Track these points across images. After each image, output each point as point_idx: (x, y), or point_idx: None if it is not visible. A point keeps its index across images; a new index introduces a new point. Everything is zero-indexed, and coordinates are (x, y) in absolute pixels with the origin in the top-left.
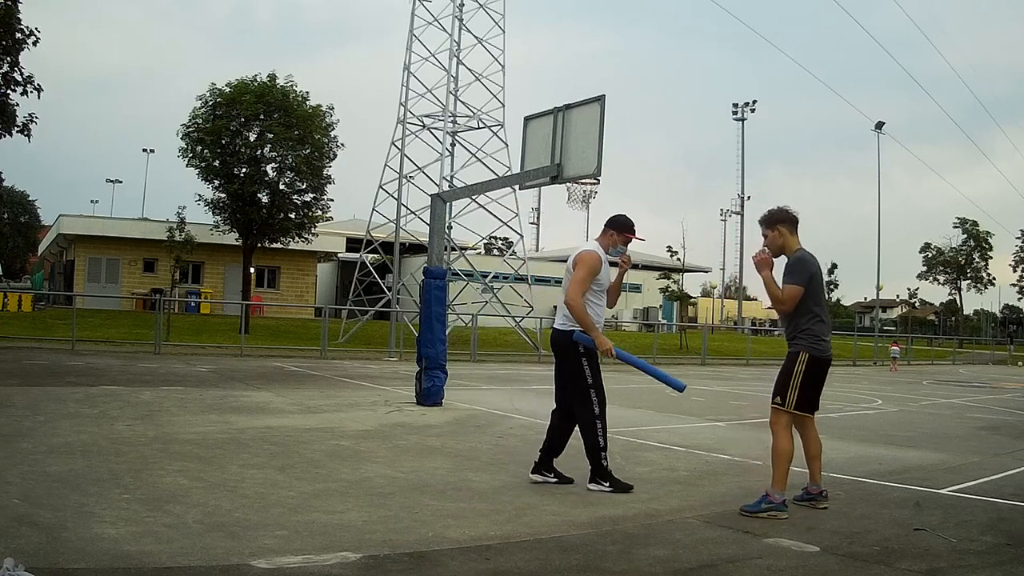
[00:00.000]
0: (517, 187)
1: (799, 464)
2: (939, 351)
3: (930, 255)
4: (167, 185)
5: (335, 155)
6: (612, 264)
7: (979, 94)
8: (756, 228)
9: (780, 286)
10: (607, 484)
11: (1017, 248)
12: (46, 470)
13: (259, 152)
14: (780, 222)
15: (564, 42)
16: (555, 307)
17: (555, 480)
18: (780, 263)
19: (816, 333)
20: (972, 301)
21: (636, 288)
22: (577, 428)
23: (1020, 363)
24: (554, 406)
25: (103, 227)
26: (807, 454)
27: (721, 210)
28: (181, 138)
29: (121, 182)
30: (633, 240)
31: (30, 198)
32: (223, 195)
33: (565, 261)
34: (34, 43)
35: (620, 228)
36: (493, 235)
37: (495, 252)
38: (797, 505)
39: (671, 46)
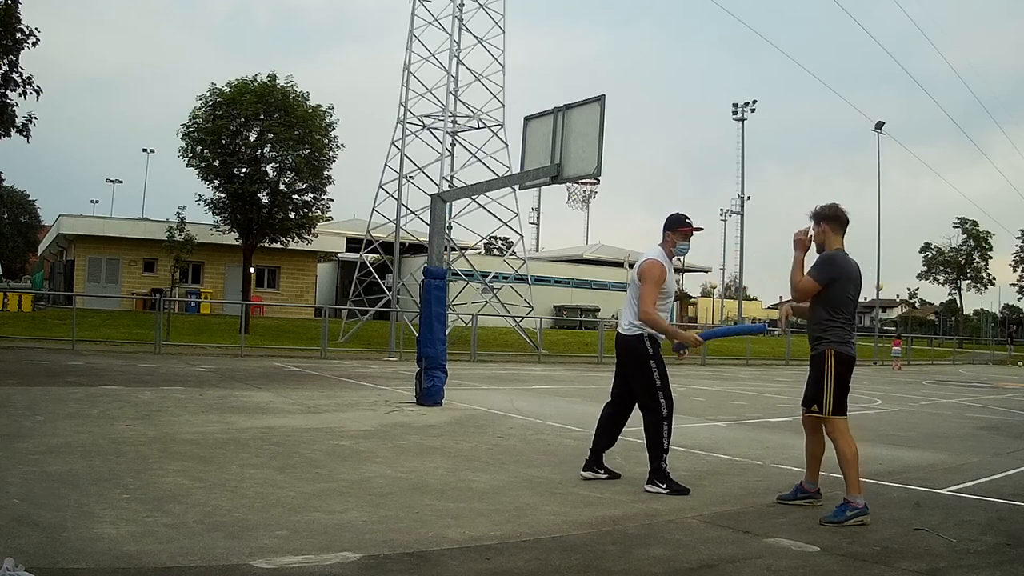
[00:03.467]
0: (517, 187)
1: (792, 463)
2: (939, 351)
3: (930, 255)
4: (167, 185)
5: (335, 156)
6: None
7: (978, 94)
8: (755, 228)
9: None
10: (664, 486)
11: (1017, 248)
12: (46, 470)
13: (259, 152)
14: (827, 219)
15: (564, 42)
16: (555, 307)
17: (605, 476)
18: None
19: (840, 332)
20: (972, 301)
21: None
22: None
23: (1020, 363)
24: (606, 402)
25: (103, 227)
26: (812, 452)
27: (721, 210)
28: (181, 138)
29: (121, 182)
30: (694, 232)
31: (30, 198)
32: (223, 195)
33: (565, 261)
34: (34, 43)
35: (675, 225)
36: (493, 235)
37: (495, 252)
38: (788, 504)
39: (671, 46)
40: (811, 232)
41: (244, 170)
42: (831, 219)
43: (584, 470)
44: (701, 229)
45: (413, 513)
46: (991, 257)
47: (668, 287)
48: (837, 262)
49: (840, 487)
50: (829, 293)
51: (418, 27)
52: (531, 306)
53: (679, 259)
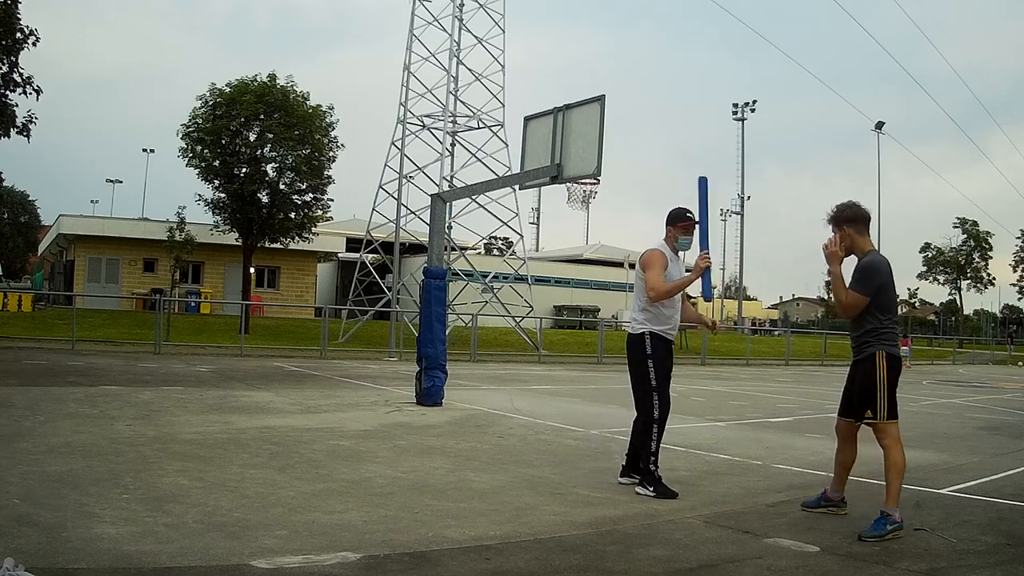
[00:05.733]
0: (517, 187)
1: (792, 463)
2: (939, 351)
3: (930, 255)
4: (167, 185)
5: (335, 156)
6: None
7: (978, 94)
8: (755, 228)
9: (847, 288)
10: (651, 489)
11: (1017, 248)
12: (46, 470)
13: (259, 152)
14: (848, 222)
15: (564, 42)
16: (555, 307)
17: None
18: (849, 262)
19: (891, 335)
20: (972, 301)
21: None
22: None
23: (1020, 363)
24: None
25: (103, 227)
26: (842, 462)
27: (721, 210)
28: (181, 138)
29: (121, 182)
30: (694, 226)
31: (30, 198)
32: (223, 195)
33: (565, 261)
34: (34, 43)
35: (675, 220)
36: (493, 235)
37: (495, 252)
38: (812, 511)
39: (671, 46)
40: (836, 239)
41: (244, 170)
42: (853, 220)
43: (621, 476)
44: (698, 223)
45: (413, 513)
46: (991, 257)
47: (673, 276)
48: (879, 268)
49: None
50: (877, 299)
51: (418, 27)
52: (531, 306)
53: (682, 255)
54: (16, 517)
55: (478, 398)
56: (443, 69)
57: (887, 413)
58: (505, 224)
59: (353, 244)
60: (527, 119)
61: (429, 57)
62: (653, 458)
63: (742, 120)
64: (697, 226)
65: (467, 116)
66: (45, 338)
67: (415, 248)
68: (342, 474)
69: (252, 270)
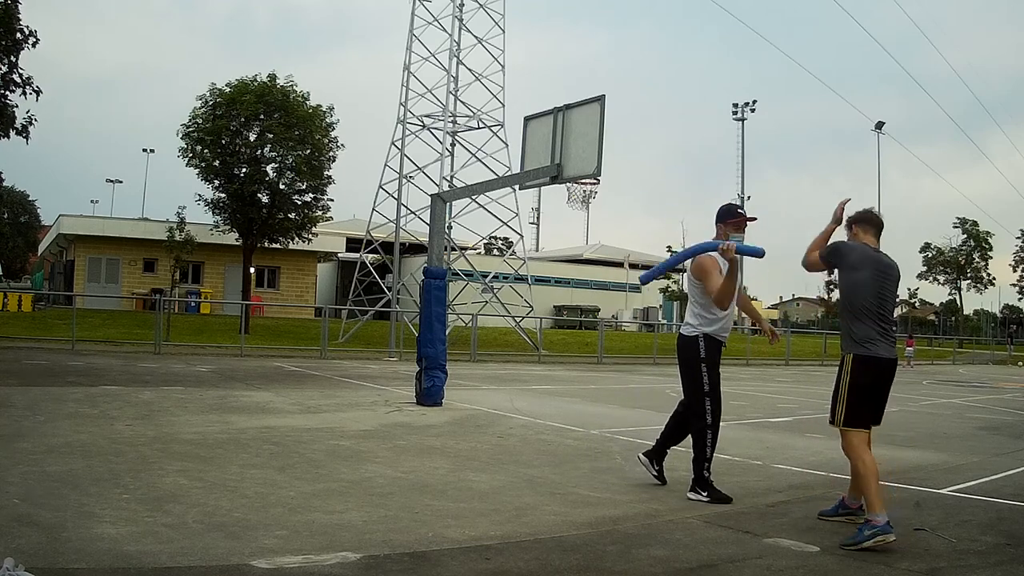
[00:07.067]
0: (517, 187)
1: (792, 463)
2: (939, 351)
3: (930, 255)
4: (167, 185)
5: (335, 156)
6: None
7: (978, 94)
8: (755, 228)
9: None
10: (705, 494)
11: (1017, 248)
12: (46, 470)
13: (259, 152)
14: (855, 222)
15: (564, 42)
16: (555, 307)
17: (656, 476)
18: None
19: (864, 331)
20: (972, 301)
21: (636, 288)
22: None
23: (1020, 363)
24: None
25: (103, 227)
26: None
27: None
28: (181, 138)
29: (121, 182)
30: (746, 222)
31: (30, 198)
32: (223, 195)
33: (565, 261)
34: (33, 44)
35: (726, 217)
36: (493, 235)
37: (495, 252)
38: (829, 520)
39: (671, 46)
40: (843, 211)
41: (244, 170)
42: (860, 221)
43: (643, 453)
44: (755, 219)
45: (413, 513)
46: (991, 257)
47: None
48: (848, 251)
49: (843, 486)
50: (845, 289)
51: (418, 27)
52: (531, 306)
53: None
54: (16, 517)
55: (478, 398)
56: (443, 69)
57: (843, 418)
58: (505, 224)
59: (353, 244)
60: (527, 119)
61: (429, 57)
62: (707, 464)
63: (742, 120)
64: (740, 227)
65: (467, 116)
66: (45, 338)
67: (415, 248)
68: (342, 474)
69: (252, 270)
